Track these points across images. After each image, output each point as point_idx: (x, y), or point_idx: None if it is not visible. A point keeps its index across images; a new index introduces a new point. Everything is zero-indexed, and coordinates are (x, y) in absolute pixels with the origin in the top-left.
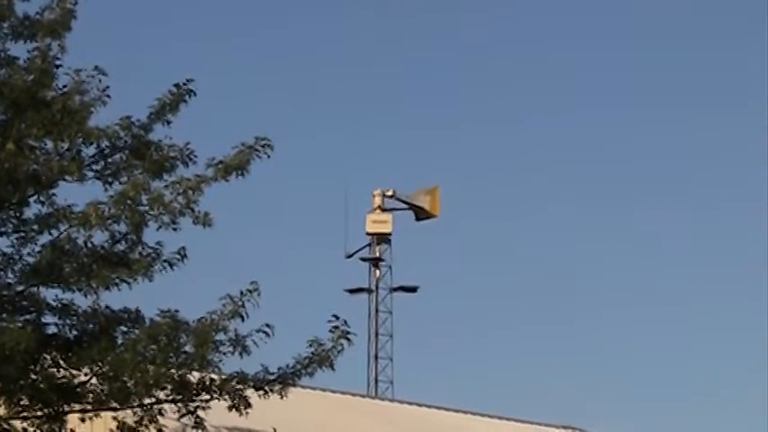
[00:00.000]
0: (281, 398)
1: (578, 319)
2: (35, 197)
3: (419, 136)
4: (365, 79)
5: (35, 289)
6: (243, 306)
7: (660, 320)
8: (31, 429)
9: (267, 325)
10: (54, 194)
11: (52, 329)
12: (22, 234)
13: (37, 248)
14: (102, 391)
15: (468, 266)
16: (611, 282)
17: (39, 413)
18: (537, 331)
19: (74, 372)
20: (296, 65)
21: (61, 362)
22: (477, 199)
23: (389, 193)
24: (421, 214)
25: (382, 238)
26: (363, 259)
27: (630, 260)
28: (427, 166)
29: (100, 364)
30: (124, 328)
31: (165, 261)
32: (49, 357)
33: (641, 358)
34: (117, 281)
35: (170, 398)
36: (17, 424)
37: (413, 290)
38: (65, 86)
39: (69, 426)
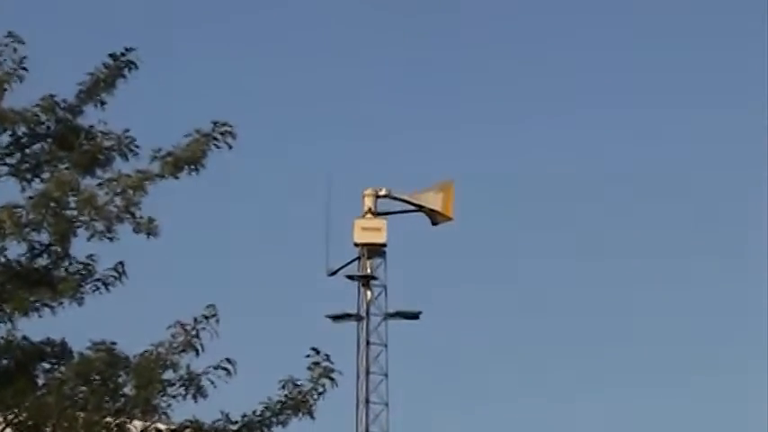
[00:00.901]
0: None
1: (607, 348)
2: None
3: (415, 133)
4: (350, 74)
5: None
6: (197, 336)
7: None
8: None
9: (228, 360)
10: None
11: None
12: None
13: None
14: None
15: (484, 286)
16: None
17: None
18: (564, 365)
19: None
20: (270, 54)
21: None
22: (483, 202)
23: (383, 192)
24: (435, 218)
25: (374, 250)
26: (350, 277)
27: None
28: (425, 166)
29: (16, 410)
30: (47, 365)
31: (98, 280)
32: None
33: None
34: (37, 305)
35: None
36: None
37: (414, 316)
38: None
39: None
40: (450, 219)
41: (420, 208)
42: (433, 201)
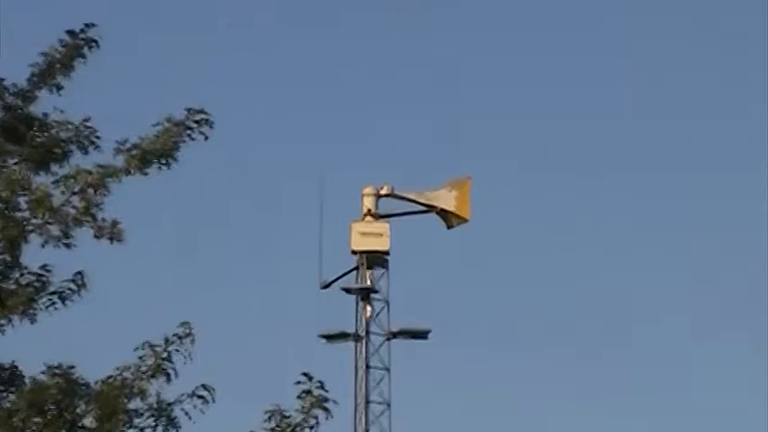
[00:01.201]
0: None
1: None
2: None
3: (419, 127)
4: (347, 62)
5: None
6: (169, 359)
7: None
8: None
9: (204, 387)
10: None
11: None
12: None
13: None
14: None
15: (504, 299)
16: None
17: None
18: (595, 388)
19: None
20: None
21: None
22: (497, 202)
23: (385, 190)
24: (450, 220)
25: (376, 259)
26: (347, 290)
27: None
28: (432, 162)
29: None
30: None
31: (53, 293)
32: None
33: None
34: None
35: None
36: None
37: (422, 335)
38: None
39: None
40: (465, 220)
41: (431, 208)
42: (446, 199)
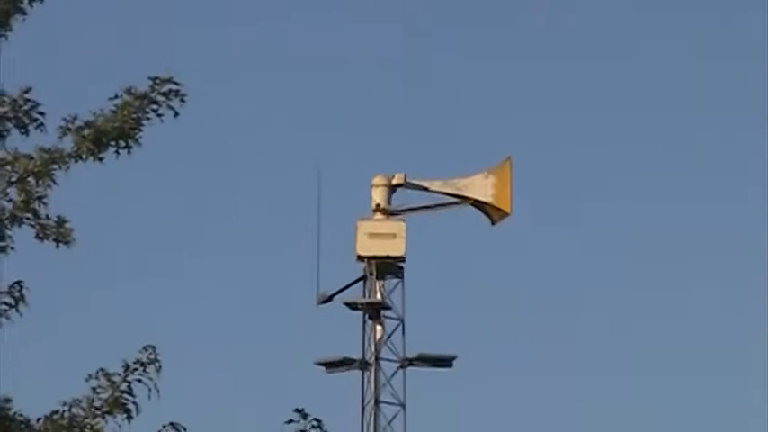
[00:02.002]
0: None
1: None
2: None
3: (437, 102)
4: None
5: None
6: (129, 392)
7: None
8: None
9: (174, 426)
10: None
11: None
12: None
13: None
14: None
15: (549, 318)
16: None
17: None
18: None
19: None
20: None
21: None
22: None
23: (397, 179)
24: (489, 214)
25: (388, 266)
26: (352, 306)
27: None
28: (454, 144)
29: None
30: None
31: None
32: None
33: None
34: None
35: None
36: None
37: (445, 362)
38: None
39: None
40: (505, 214)
41: (461, 200)
42: (481, 188)
